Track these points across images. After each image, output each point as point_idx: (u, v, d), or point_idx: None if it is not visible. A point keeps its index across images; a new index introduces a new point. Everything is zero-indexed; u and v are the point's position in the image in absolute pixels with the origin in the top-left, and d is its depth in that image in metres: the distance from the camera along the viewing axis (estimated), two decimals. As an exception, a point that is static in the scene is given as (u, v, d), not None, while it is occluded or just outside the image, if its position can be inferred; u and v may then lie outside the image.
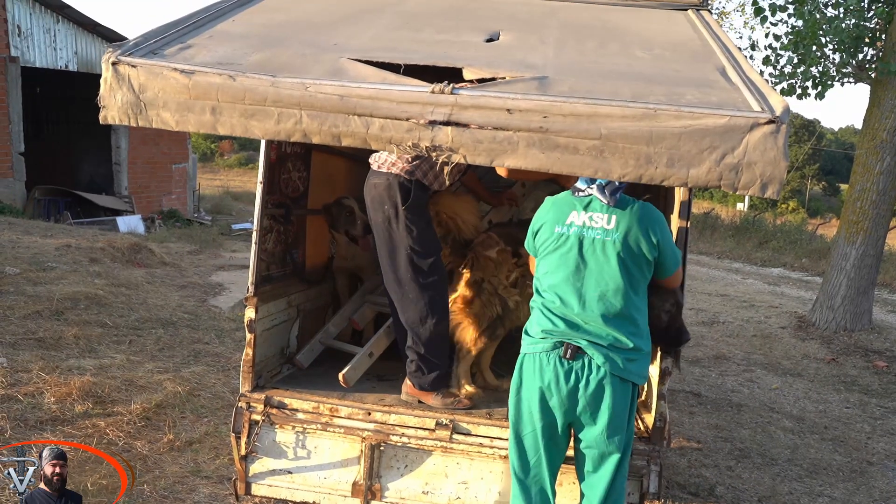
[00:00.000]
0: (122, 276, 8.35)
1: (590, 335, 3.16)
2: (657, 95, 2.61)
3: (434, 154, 2.55)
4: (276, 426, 4.00)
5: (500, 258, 4.25)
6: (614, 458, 3.20)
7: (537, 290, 3.39)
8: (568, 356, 3.15)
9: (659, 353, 3.59)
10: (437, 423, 3.87)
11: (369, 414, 3.94)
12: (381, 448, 3.89)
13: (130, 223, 13.95)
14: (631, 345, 3.15)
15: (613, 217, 3.18)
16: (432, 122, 2.55)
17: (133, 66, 2.74)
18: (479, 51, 3.10)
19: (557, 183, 5.10)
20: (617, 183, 3.13)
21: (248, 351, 4.10)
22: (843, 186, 41.93)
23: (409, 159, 3.79)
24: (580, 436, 3.25)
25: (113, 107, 2.76)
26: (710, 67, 3.03)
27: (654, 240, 3.17)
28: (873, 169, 9.34)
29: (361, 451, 3.88)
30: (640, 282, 3.23)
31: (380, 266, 4.15)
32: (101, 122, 2.82)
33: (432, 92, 2.57)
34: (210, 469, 4.90)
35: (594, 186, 3.21)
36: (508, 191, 5.08)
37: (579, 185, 3.28)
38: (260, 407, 3.99)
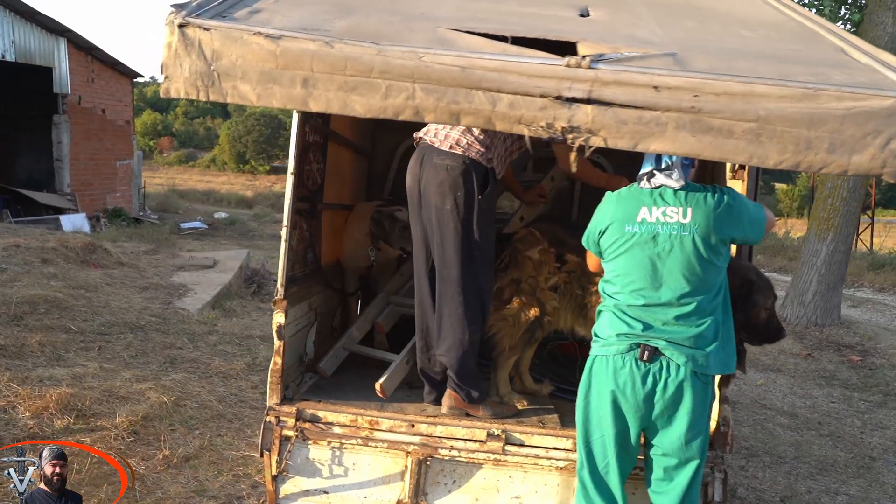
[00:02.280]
0: (79, 278, 7.68)
1: (668, 335, 2.94)
2: (804, 76, 2.35)
3: (570, 136, 2.23)
4: (310, 442, 3.62)
5: (541, 258, 3.95)
6: (692, 464, 3.02)
7: (606, 293, 3.15)
8: (645, 358, 2.94)
9: None
10: (489, 435, 3.56)
11: (413, 426, 3.60)
12: (428, 463, 3.55)
13: (75, 222, 13.02)
14: (712, 338, 2.95)
15: (689, 210, 2.93)
16: (570, 100, 2.22)
17: (205, 28, 2.31)
18: (579, 25, 2.79)
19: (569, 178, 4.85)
20: (684, 159, 2.89)
21: (277, 360, 3.69)
22: (780, 186, 43.51)
23: (488, 142, 3.43)
24: (654, 442, 3.05)
25: (178, 77, 2.32)
26: (827, 47, 2.81)
27: (736, 225, 2.96)
28: (843, 167, 9.47)
29: (406, 466, 3.54)
30: (721, 269, 3.03)
31: (413, 262, 3.80)
32: (162, 94, 2.38)
33: (568, 65, 2.24)
34: (215, 487, 4.45)
35: (664, 169, 2.95)
36: (538, 186, 4.77)
37: (645, 167, 3.01)
38: (291, 421, 3.60)
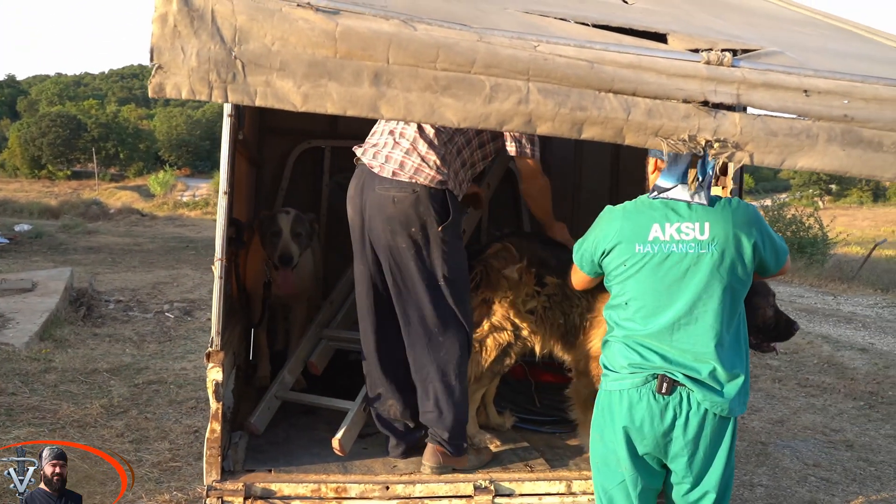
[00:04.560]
0: None
1: (686, 368, 2.63)
2: None
3: (713, 151, 1.76)
4: (267, 525, 2.93)
5: (520, 278, 3.48)
6: (712, 500, 2.74)
7: (614, 321, 2.77)
8: (664, 391, 2.61)
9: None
10: (476, 488, 3.13)
11: (387, 488, 3.09)
12: (411, 530, 3.02)
13: None
14: (732, 374, 2.67)
15: (706, 225, 2.57)
16: (716, 106, 1.76)
17: (224, -4, 1.56)
18: (645, 15, 2.32)
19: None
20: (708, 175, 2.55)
21: (215, 426, 2.97)
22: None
23: (439, 162, 2.88)
24: (673, 480, 2.77)
25: (180, 68, 1.55)
26: (878, 45, 2.58)
27: (756, 241, 2.63)
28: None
29: (386, 537, 2.99)
30: (741, 295, 2.73)
31: (356, 305, 3.22)
32: (152, 94, 1.58)
33: (708, 62, 1.77)
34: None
35: (684, 184, 2.57)
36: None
37: (662, 182, 2.62)
38: (239, 501, 2.92)
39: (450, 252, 2.98)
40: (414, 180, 2.86)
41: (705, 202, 2.51)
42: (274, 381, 3.73)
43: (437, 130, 2.90)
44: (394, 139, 2.95)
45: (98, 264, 12.28)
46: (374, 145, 3.01)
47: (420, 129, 2.89)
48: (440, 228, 2.90)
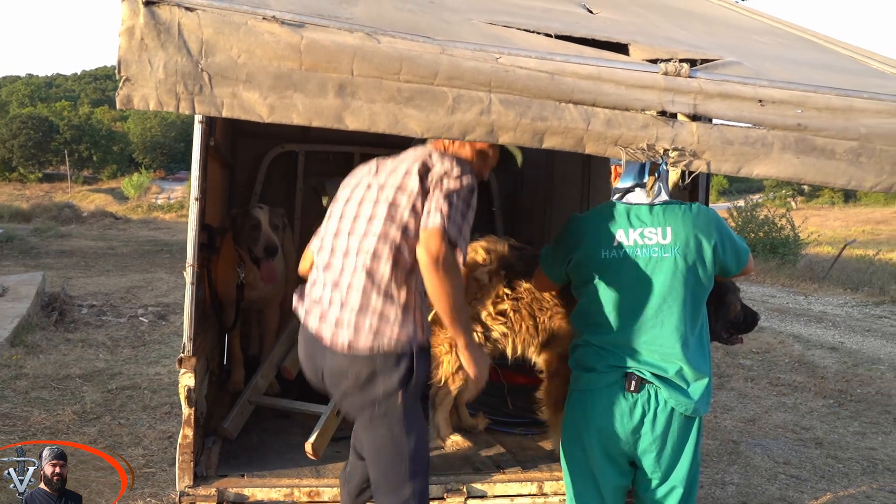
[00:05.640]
0: None
1: (653, 367, 2.72)
2: (862, 86, 2.14)
3: (671, 159, 1.81)
4: (241, 530, 2.95)
5: (490, 281, 3.53)
6: (685, 495, 2.82)
7: (582, 324, 2.84)
8: (632, 388, 2.69)
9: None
10: (447, 490, 3.17)
11: None
12: (383, 533, 3.01)
13: None
14: (698, 374, 2.75)
15: (668, 229, 2.66)
16: (673, 116, 1.81)
17: (189, 8, 1.58)
18: (608, 25, 2.37)
19: None
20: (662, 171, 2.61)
21: (187, 431, 2.98)
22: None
23: (401, 315, 2.33)
24: (642, 476, 2.85)
25: (147, 80, 1.57)
26: (834, 54, 2.65)
27: (717, 244, 2.71)
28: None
29: (358, 541, 2.98)
30: (702, 297, 2.81)
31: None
32: (120, 105, 1.60)
33: (666, 73, 1.82)
34: None
35: (642, 185, 2.64)
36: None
37: (626, 182, 2.68)
38: None
39: (413, 410, 2.44)
40: (374, 349, 2.30)
41: (666, 198, 2.60)
42: (247, 385, 3.74)
43: (394, 265, 2.31)
44: (340, 295, 2.35)
45: (71, 268, 12.16)
46: (318, 302, 2.44)
47: (369, 274, 2.31)
48: (403, 391, 2.37)
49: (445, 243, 2.18)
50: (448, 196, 2.22)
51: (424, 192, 2.26)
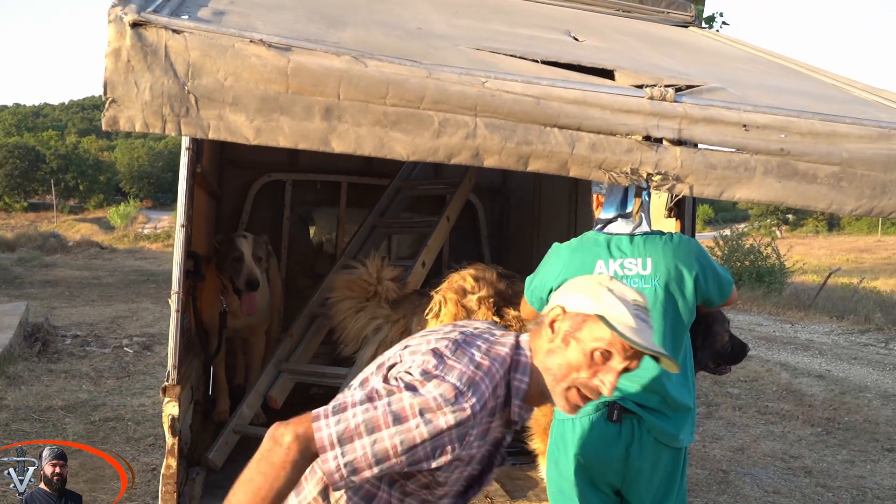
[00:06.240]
0: None
1: (636, 396, 2.70)
2: (845, 112, 2.17)
3: (654, 183, 1.83)
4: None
5: (478, 308, 3.52)
6: None
7: None
8: (614, 418, 2.66)
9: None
10: None
11: None
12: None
13: None
14: (681, 405, 2.73)
15: (649, 261, 2.66)
16: (658, 140, 1.83)
17: (177, 31, 1.59)
18: (593, 51, 2.40)
19: None
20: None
21: (171, 462, 2.93)
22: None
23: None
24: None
25: (134, 102, 1.57)
26: (815, 81, 2.70)
27: (698, 275, 2.71)
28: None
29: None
30: (684, 328, 2.80)
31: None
32: (106, 126, 1.60)
33: (651, 98, 1.84)
34: None
35: (628, 216, 2.65)
36: None
37: (608, 213, 2.69)
38: None
39: None
40: None
41: (647, 228, 2.60)
42: (233, 415, 3.70)
43: None
44: None
45: (55, 298, 12.02)
46: None
47: None
48: None
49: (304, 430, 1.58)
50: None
51: None
